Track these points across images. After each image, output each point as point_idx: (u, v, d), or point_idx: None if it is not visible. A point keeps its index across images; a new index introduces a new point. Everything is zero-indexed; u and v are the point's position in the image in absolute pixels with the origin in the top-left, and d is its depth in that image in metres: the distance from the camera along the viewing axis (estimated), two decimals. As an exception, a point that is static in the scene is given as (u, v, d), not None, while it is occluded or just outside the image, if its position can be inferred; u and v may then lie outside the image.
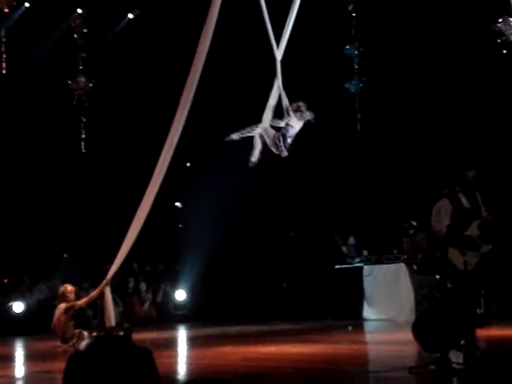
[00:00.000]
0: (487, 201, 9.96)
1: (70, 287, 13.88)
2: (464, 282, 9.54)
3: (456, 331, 9.42)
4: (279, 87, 12.61)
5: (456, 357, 9.37)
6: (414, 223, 18.07)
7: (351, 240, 19.51)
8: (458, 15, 17.73)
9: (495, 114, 18.12)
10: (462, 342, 9.44)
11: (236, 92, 19.39)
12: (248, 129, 12.95)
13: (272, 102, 12.71)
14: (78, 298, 14.07)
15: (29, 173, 20.71)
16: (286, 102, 12.70)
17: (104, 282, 13.34)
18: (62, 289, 13.91)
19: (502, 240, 10.18)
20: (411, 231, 18.10)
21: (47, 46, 19.77)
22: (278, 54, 12.67)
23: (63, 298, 13.75)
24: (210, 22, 12.17)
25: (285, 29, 12.74)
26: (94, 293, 13.55)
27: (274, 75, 12.67)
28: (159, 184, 12.63)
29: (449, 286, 13.36)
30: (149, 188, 12.70)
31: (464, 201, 9.71)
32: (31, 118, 20.43)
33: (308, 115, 12.67)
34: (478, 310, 14.99)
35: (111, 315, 13.23)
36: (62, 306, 13.64)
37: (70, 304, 13.57)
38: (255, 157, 12.98)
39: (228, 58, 19.04)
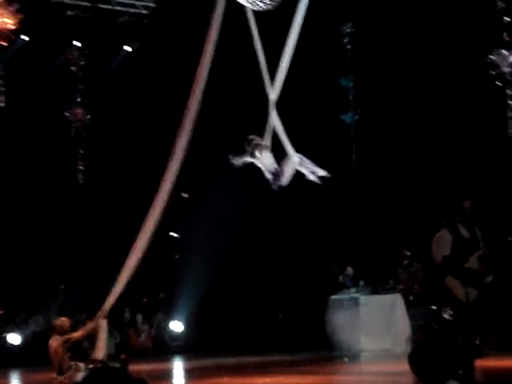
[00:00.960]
0: (484, 231, 10.02)
1: (65, 320, 13.85)
2: (466, 313, 9.54)
3: (453, 362, 9.42)
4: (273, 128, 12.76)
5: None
6: (408, 253, 18.09)
7: (349, 270, 19.49)
8: (453, 48, 17.86)
9: (490, 145, 18.21)
10: (460, 373, 9.43)
11: (235, 124, 19.48)
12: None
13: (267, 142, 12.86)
14: (74, 329, 14.04)
15: (26, 204, 20.73)
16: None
17: (100, 313, 13.33)
18: (57, 321, 13.87)
19: (501, 271, 10.20)
20: (405, 262, 18.12)
21: (45, 79, 19.87)
22: (273, 94, 12.84)
23: (58, 330, 13.72)
24: (207, 55, 12.29)
25: (278, 73, 12.88)
26: (91, 324, 13.52)
27: (267, 116, 12.82)
28: (158, 215, 12.65)
29: (445, 316, 13.40)
30: (148, 219, 12.72)
31: (463, 231, 9.75)
32: (29, 150, 20.49)
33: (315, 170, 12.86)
34: (475, 341, 15.04)
35: (102, 347, 13.20)
36: (58, 338, 13.59)
37: (67, 336, 13.54)
38: (271, 177, 12.96)
39: (226, 89, 19.14)
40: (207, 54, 12.28)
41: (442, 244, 9.67)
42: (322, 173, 12.93)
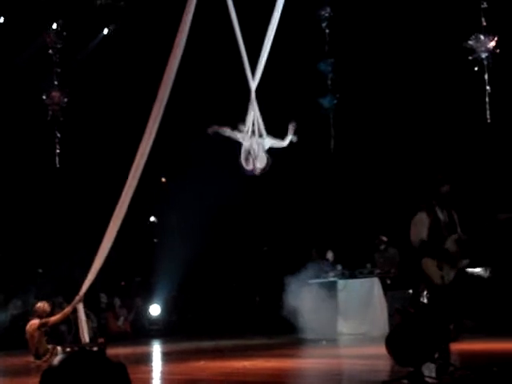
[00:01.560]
0: (461, 216, 10.08)
1: (45, 304, 13.85)
2: (441, 296, 9.60)
3: (429, 345, 9.49)
4: (255, 115, 12.83)
5: (429, 371, 9.44)
6: (385, 238, 18.17)
7: (329, 254, 19.53)
8: (431, 33, 17.90)
9: (468, 130, 18.29)
10: (436, 356, 9.51)
11: (211, 106, 19.44)
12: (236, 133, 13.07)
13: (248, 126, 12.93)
14: (52, 313, 14.03)
15: (3, 188, 20.62)
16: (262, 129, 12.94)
17: (77, 297, 13.33)
18: (38, 306, 13.87)
19: (478, 257, 10.29)
20: (382, 246, 18.20)
21: (22, 62, 19.73)
22: (253, 83, 12.87)
23: (37, 314, 13.71)
24: (182, 33, 12.26)
25: (259, 60, 12.92)
26: (68, 309, 13.53)
27: (249, 103, 12.86)
28: (130, 197, 12.65)
29: (422, 300, 13.46)
30: (120, 201, 12.73)
31: (440, 214, 9.81)
32: (4, 132, 20.35)
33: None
34: (450, 325, 15.16)
35: (85, 331, 13.21)
36: (35, 321, 13.59)
37: (44, 320, 13.53)
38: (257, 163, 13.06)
39: (202, 70, 19.10)
40: (181, 36, 12.26)
41: (420, 226, 9.72)
42: (286, 141, 13.13)
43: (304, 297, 17.59)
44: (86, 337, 13.15)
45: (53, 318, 13.66)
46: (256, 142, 12.97)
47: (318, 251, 19.59)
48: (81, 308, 13.29)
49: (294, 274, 17.83)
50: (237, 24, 12.76)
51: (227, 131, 12.97)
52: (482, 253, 12.24)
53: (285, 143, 13.40)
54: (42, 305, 13.78)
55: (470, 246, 9.85)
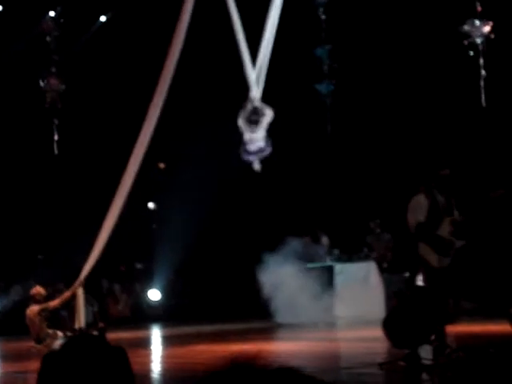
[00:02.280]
0: (458, 200, 10.16)
1: (41, 289, 13.95)
2: (438, 279, 9.68)
3: (425, 327, 9.59)
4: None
5: (425, 353, 9.55)
6: (378, 222, 18.23)
7: (324, 239, 19.59)
8: (426, 18, 17.91)
9: (462, 114, 18.32)
10: (432, 338, 9.61)
11: (211, 92, 19.47)
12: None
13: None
14: (52, 298, 14.13)
15: (2, 175, 20.65)
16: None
17: (77, 282, 13.44)
18: (33, 291, 13.97)
19: (474, 238, 10.35)
20: (377, 230, 18.26)
21: (20, 49, 19.73)
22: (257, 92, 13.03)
23: (35, 299, 13.81)
24: (183, 21, 12.31)
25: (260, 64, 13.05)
26: (67, 294, 13.64)
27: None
28: (130, 183, 12.73)
29: (418, 283, 13.56)
30: (119, 188, 12.80)
31: (439, 197, 9.88)
32: (3, 120, 20.37)
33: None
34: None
35: (81, 316, 13.33)
36: (35, 307, 13.68)
37: (44, 305, 13.63)
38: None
39: (203, 58, 19.12)
40: (182, 24, 12.31)
41: (418, 209, 9.79)
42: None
43: (300, 281, 17.66)
44: (81, 322, 13.26)
45: (52, 303, 13.76)
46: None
47: (313, 236, 19.65)
48: (80, 293, 13.40)
49: (274, 252, 17.85)
50: (239, 26, 12.92)
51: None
52: (478, 234, 12.27)
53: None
54: (37, 289, 13.90)
55: (465, 227, 9.92)
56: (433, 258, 9.68)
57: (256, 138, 13.31)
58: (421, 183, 10.02)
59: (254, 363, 1.81)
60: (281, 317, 17.25)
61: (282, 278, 17.42)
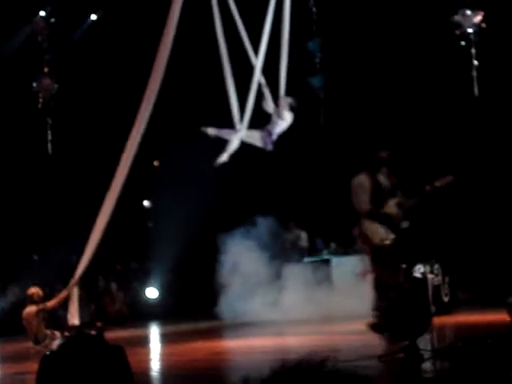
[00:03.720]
0: (401, 181, 10.21)
1: (38, 289, 13.91)
2: (381, 257, 9.79)
3: (424, 319, 9.61)
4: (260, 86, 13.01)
5: (424, 344, 9.56)
6: None
7: (303, 235, 19.65)
8: (418, 8, 17.89)
9: (454, 104, 18.32)
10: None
11: (205, 88, 19.41)
12: (227, 131, 13.23)
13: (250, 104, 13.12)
14: (50, 299, 14.10)
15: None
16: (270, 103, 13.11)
17: (72, 282, 13.41)
18: (30, 291, 13.94)
19: (417, 218, 10.41)
20: None
21: (11, 49, 19.68)
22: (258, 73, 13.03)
23: (32, 300, 13.78)
24: (172, 17, 12.29)
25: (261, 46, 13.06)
26: (63, 293, 13.59)
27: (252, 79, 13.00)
28: (122, 181, 12.68)
29: (416, 274, 13.61)
30: (111, 185, 12.77)
31: (382, 178, 9.91)
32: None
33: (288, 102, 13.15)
34: (444, 298, 15.30)
35: (74, 314, 13.30)
36: (32, 308, 13.65)
37: (41, 306, 13.60)
38: (224, 158, 13.26)
39: (195, 54, 19.07)
40: (172, 21, 12.28)
41: (361, 192, 9.84)
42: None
43: (297, 276, 17.68)
44: (74, 320, 13.24)
45: (50, 303, 13.73)
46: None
47: (298, 224, 19.67)
48: (75, 292, 13.38)
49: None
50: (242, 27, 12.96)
51: (224, 133, 13.18)
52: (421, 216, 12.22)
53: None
54: (35, 290, 13.86)
55: (409, 208, 9.99)
56: (375, 236, 9.78)
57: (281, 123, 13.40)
58: (363, 165, 10.08)
59: (322, 363, 1.87)
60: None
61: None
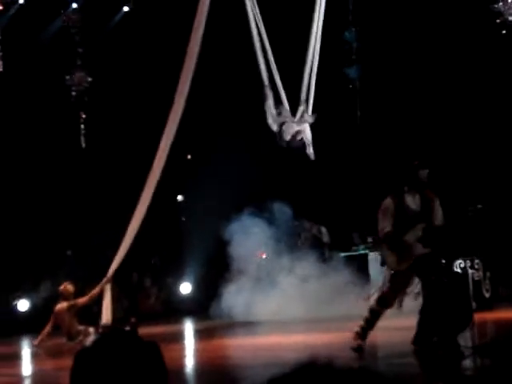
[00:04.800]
0: (444, 201, 9.92)
1: (69, 286, 13.88)
2: (396, 280, 9.87)
3: (464, 315, 9.41)
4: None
5: (464, 341, 9.37)
6: None
7: (323, 230, 19.49)
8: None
9: (498, 95, 17.98)
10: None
11: (236, 82, 19.30)
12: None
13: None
14: (83, 295, 14.06)
15: (30, 170, 20.66)
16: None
17: (105, 279, 13.36)
18: (61, 287, 13.92)
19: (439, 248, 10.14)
20: None
21: (44, 42, 19.71)
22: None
23: (63, 296, 13.76)
24: (203, 10, 12.15)
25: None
26: (96, 290, 13.57)
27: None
28: (159, 176, 12.61)
29: (455, 270, 13.35)
30: (148, 181, 12.69)
31: (410, 201, 9.62)
32: (30, 115, 20.35)
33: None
34: (485, 294, 15.03)
35: (108, 312, 13.26)
36: (63, 304, 13.64)
37: (72, 302, 13.58)
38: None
39: (228, 47, 18.96)
40: (202, 13, 12.15)
41: (383, 217, 9.66)
42: (310, 150, 13.30)
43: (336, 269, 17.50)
44: (107, 318, 13.19)
45: (81, 300, 13.71)
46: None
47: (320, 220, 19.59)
48: (108, 289, 13.33)
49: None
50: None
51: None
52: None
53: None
54: (64, 286, 13.84)
55: (439, 235, 9.70)
56: (392, 261, 9.72)
57: (292, 132, 13.27)
58: (392, 186, 9.91)
59: (331, 363, 1.75)
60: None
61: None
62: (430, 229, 9.55)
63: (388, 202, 9.71)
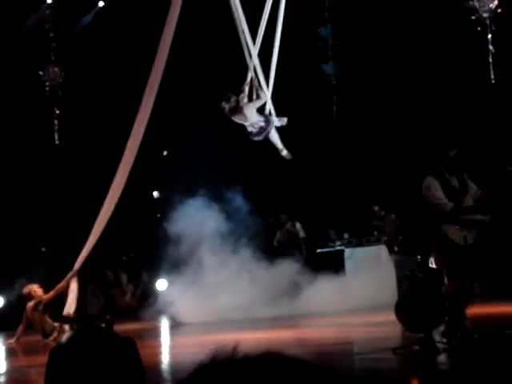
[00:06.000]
0: (474, 180, 9.93)
1: (33, 287, 13.88)
2: (463, 257, 9.46)
3: (439, 310, 9.43)
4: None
5: (440, 336, 9.40)
6: (381, 203, 18.11)
7: (297, 225, 19.51)
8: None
9: (471, 90, 18.10)
10: (447, 319, 9.45)
11: (208, 76, 19.28)
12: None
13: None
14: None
15: (4, 167, 20.52)
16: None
17: (71, 273, 13.31)
18: (26, 289, 13.92)
19: (498, 213, 10.10)
20: (382, 213, 18.14)
21: (18, 37, 19.59)
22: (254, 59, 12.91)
23: (30, 297, 13.73)
24: (176, 6, 12.16)
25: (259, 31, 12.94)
26: (61, 284, 13.53)
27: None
28: (128, 171, 12.55)
29: (431, 265, 13.37)
30: (116, 176, 12.64)
31: (450, 179, 9.64)
32: (3, 110, 20.22)
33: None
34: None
35: (72, 305, 13.22)
36: (30, 303, 13.63)
37: (38, 299, 13.54)
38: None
39: (198, 41, 18.94)
40: (175, 8, 12.15)
41: (434, 190, 9.54)
42: (284, 153, 13.34)
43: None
44: (70, 310, 13.19)
45: (46, 296, 13.65)
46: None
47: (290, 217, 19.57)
48: (73, 283, 13.28)
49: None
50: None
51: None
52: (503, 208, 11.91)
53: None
54: (27, 288, 13.88)
55: (488, 202, 9.68)
56: (458, 236, 9.43)
57: (253, 122, 13.27)
58: (428, 166, 9.82)
59: (234, 354, 1.68)
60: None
61: None
62: (480, 197, 9.58)
63: (432, 180, 9.61)
